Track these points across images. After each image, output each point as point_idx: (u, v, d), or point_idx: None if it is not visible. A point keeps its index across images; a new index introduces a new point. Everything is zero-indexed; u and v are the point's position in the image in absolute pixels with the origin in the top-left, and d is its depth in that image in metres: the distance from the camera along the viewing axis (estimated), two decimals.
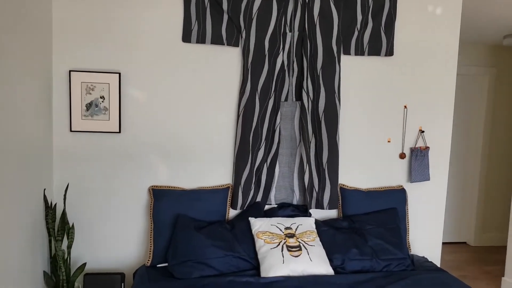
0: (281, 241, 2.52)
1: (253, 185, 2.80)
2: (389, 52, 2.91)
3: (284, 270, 2.39)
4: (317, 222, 2.78)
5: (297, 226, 2.65)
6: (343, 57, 2.89)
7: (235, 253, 2.47)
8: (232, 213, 2.84)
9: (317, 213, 2.94)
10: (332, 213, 2.98)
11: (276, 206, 2.90)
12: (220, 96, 2.79)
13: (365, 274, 2.49)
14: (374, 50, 2.90)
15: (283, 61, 2.78)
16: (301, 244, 2.52)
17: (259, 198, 2.86)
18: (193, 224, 2.56)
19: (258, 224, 2.62)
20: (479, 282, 4.06)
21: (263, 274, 2.39)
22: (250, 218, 2.68)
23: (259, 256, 2.49)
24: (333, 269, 2.52)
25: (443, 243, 5.25)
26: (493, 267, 4.44)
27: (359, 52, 2.88)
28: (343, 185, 2.95)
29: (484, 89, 5.00)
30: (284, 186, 2.91)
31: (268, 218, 2.67)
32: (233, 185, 2.81)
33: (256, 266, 2.49)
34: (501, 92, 5.02)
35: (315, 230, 2.68)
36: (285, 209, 2.83)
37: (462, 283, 2.43)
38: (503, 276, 3.91)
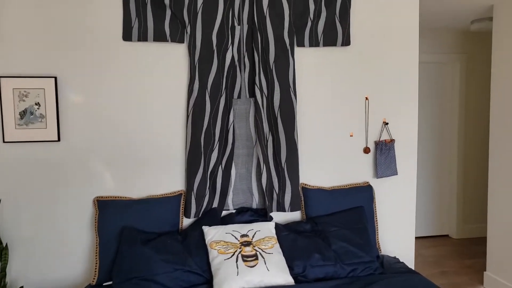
0: (236, 251, 2.33)
1: (207, 190, 2.61)
2: (346, 42, 2.74)
3: (239, 283, 2.20)
4: (278, 227, 2.59)
5: (255, 233, 2.46)
6: (297, 50, 2.71)
7: (186, 266, 2.28)
8: (186, 222, 2.65)
9: (280, 216, 2.76)
10: (296, 216, 2.80)
11: (234, 211, 2.71)
12: (168, 97, 2.60)
13: (328, 281, 2.31)
14: (330, 41, 2.72)
15: (233, 56, 2.60)
16: (257, 253, 2.33)
17: (215, 204, 2.67)
18: (139, 237, 2.36)
19: (212, 233, 2.43)
20: (460, 277, 3.91)
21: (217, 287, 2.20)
22: (203, 227, 2.48)
23: (212, 269, 2.29)
24: (294, 277, 2.34)
25: (425, 237, 5.13)
26: (475, 260, 4.30)
27: (314, 43, 2.71)
28: (305, 184, 2.78)
29: (456, 76, 4.86)
30: (242, 189, 2.72)
31: (224, 226, 2.48)
32: (185, 192, 2.62)
33: (209, 280, 2.30)
34: (473, 79, 4.89)
35: (275, 236, 2.50)
36: (243, 214, 2.64)
37: (432, 285, 2.27)
38: (485, 270, 3.77)
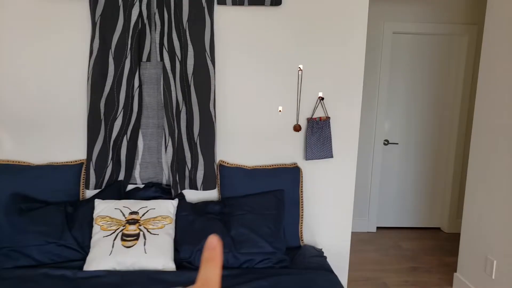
0: (118, 228, 2.13)
1: (110, 161, 2.40)
2: (276, 1, 2.37)
3: (109, 263, 2.00)
4: (181, 206, 2.35)
5: (147, 211, 2.23)
6: (218, 8, 2.38)
7: (61, 240, 2.11)
8: (91, 193, 2.47)
9: (195, 195, 2.52)
10: (213, 195, 2.54)
11: (143, 186, 2.50)
12: (69, 57, 2.38)
13: None
14: None
15: (140, 13, 2.32)
16: (141, 233, 2.12)
17: (121, 177, 2.47)
18: (22, 206, 2.21)
19: (101, 207, 2.24)
20: (431, 276, 3.51)
21: (85, 266, 2.02)
22: (95, 200, 2.29)
23: (91, 245, 2.11)
24: (178, 262, 2.11)
25: (414, 228, 4.69)
26: (455, 258, 3.85)
27: (237, 1, 2.36)
28: (223, 162, 2.50)
29: (463, 52, 4.25)
30: (152, 163, 2.49)
31: (116, 201, 2.28)
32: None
33: (86, 257, 2.12)
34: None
35: (171, 216, 2.26)
36: (147, 190, 2.42)
37: (336, 284, 1.96)
38: (455, 271, 3.34)
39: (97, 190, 2.45)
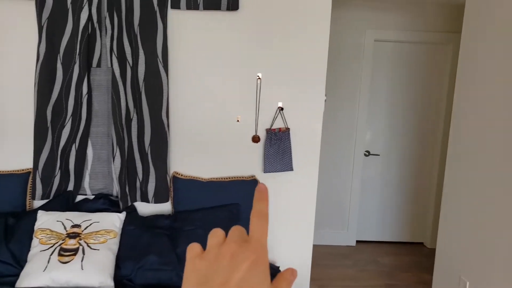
0: (57, 242, 2.02)
1: (58, 171, 2.30)
2: (233, 5, 2.26)
3: (43, 280, 1.89)
4: (130, 220, 2.24)
5: (91, 224, 2.12)
6: (171, 12, 2.28)
7: None
8: (39, 204, 2.36)
9: (148, 208, 2.41)
10: (167, 208, 2.43)
11: (93, 197, 2.39)
12: (18, 61, 2.29)
13: None
14: (212, 3, 2.26)
15: (90, 16, 2.22)
16: (80, 248, 2.00)
17: (70, 187, 2.36)
18: None
19: (43, 219, 2.13)
20: None
21: (18, 283, 1.90)
22: (39, 211, 2.18)
23: (27, 260, 2.00)
24: (118, 280, 1.99)
25: (396, 243, 4.54)
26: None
27: (192, 5, 2.26)
28: (177, 173, 2.38)
29: (447, 61, 4.13)
30: (103, 173, 2.38)
31: (59, 213, 2.17)
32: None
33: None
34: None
35: (117, 230, 2.15)
36: (96, 202, 2.31)
37: None
38: None
39: (45, 201, 2.34)
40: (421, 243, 4.53)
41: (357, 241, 4.46)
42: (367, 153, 4.25)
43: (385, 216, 4.39)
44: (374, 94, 4.16)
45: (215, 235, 0.38)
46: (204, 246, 0.38)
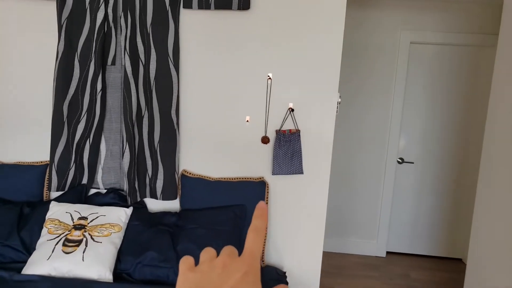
0: (63, 233, 2.09)
1: (72, 164, 2.39)
2: (244, 5, 2.24)
3: (46, 268, 1.96)
4: (136, 215, 2.27)
5: (97, 217, 2.18)
6: (184, 12, 2.29)
7: (7, 241, 2.10)
8: (56, 195, 2.47)
9: (157, 204, 2.44)
10: (176, 205, 2.44)
11: (105, 191, 2.46)
12: (38, 59, 2.41)
13: (153, 285, 1.95)
14: (223, 2, 2.25)
15: (106, 16, 2.29)
16: (84, 239, 2.06)
17: (84, 180, 2.44)
18: None
19: (53, 210, 2.21)
20: None
21: (24, 269, 1.99)
22: (52, 202, 2.27)
23: (36, 248, 2.09)
24: (118, 274, 2.02)
25: (433, 257, 4.27)
26: None
27: (204, 5, 2.26)
28: (186, 172, 2.39)
29: (490, 64, 3.84)
30: (115, 168, 2.44)
31: (70, 204, 2.25)
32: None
33: None
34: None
35: (122, 224, 2.19)
36: (106, 196, 2.37)
37: None
38: None
39: (61, 192, 2.43)
40: (459, 259, 4.23)
41: (388, 252, 4.25)
42: (400, 161, 4.05)
43: (419, 228, 4.15)
44: (409, 99, 3.96)
45: (207, 252, 0.39)
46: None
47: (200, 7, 2.26)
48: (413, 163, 4.05)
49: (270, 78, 2.30)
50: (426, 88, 3.94)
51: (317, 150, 2.33)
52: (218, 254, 2.00)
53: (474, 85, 3.90)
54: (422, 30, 3.80)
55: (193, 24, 2.30)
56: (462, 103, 3.93)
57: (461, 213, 4.10)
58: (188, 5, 2.27)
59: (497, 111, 2.41)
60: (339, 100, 2.30)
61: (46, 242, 2.06)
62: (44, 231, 2.13)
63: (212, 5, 2.25)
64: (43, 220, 2.22)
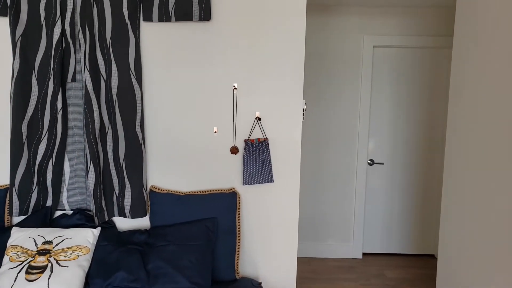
0: (26, 260, 1.99)
1: (35, 186, 2.29)
2: (205, 16, 2.22)
3: None
4: (105, 235, 2.20)
5: (63, 240, 2.09)
6: (144, 25, 2.25)
7: None
8: (18, 220, 2.36)
9: (127, 223, 2.37)
10: (146, 223, 2.38)
11: (71, 212, 2.36)
12: None
13: None
14: (183, 14, 2.22)
15: (63, 30, 2.22)
16: (49, 265, 1.97)
17: (49, 202, 2.35)
18: None
19: (15, 236, 2.11)
20: None
21: None
22: (13, 228, 2.17)
23: None
24: None
25: (407, 255, 4.34)
26: None
27: (164, 17, 2.23)
28: (155, 187, 2.33)
29: (449, 64, 3.96)
30: (80, 188, 2.36)
31: (33, 229, 2.15)
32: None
33: None
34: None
35: (90, 246, 2.11)
36: (71, 217, 2.29)
37: None
38: None
39: (24, 216, 2.33)
40: (432, 255, 4.32)
41: (364, 254, 4.29)
42: (371, 162, 4.10)
43: (392, 228, 4.22)
44: (375, 102, 4.03)
45: None
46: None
47: (161, 19, 2.22)
48: (383, 164, 4.12)
49: (235, 88, 2.28)
50: (391, 90, 4.02)
51: (286, 158, 2.33)
52: (188, 267, 1.95)
53: (435, 86, 4.01)
54: (384, 35, 3.89)
55: (154, 37, 2.26)
56: (426, 103, 4.03)
57: (431, 210, 4.19)
58: (148, 18, 2.23)
59: (456, 110, 2.48)
60: (305, 107, 2.31)
61: (7, 270, 1.96)
62: (5, 259, 2.02)
63: (173, 17, 2.22)
64: (4, 247, 2.11)
